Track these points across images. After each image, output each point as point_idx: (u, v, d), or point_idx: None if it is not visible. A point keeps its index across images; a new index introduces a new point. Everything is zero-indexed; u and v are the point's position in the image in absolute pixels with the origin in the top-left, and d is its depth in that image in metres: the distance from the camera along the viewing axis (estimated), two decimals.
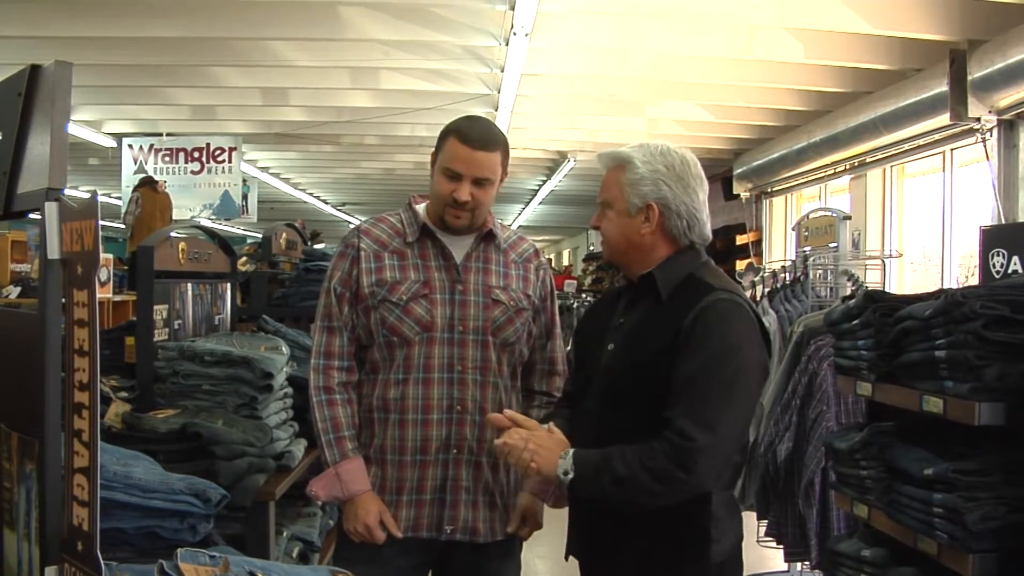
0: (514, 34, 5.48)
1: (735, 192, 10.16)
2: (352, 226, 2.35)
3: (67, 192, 1.35)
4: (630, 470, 1.78)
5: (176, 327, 3.24)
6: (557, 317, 2.39)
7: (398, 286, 2.17)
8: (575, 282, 13.94)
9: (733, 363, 1.83)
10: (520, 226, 22.70)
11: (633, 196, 1.96)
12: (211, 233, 3.84)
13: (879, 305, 2.48)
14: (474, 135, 2.14)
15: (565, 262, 28.18)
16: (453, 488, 2.18)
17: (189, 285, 3.39)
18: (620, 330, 2.00)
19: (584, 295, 11.64)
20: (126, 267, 8.13)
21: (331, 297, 2.22)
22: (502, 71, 6.50)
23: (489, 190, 2.17)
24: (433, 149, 2.23)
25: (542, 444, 1.90)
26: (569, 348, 2.32)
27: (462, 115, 2.28)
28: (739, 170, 9.82)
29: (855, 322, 2.56)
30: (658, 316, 1.93)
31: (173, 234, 3.35)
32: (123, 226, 9.13)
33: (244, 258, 5.22)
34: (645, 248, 1.99)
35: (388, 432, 2.18)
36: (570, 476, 1.85)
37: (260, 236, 4.96)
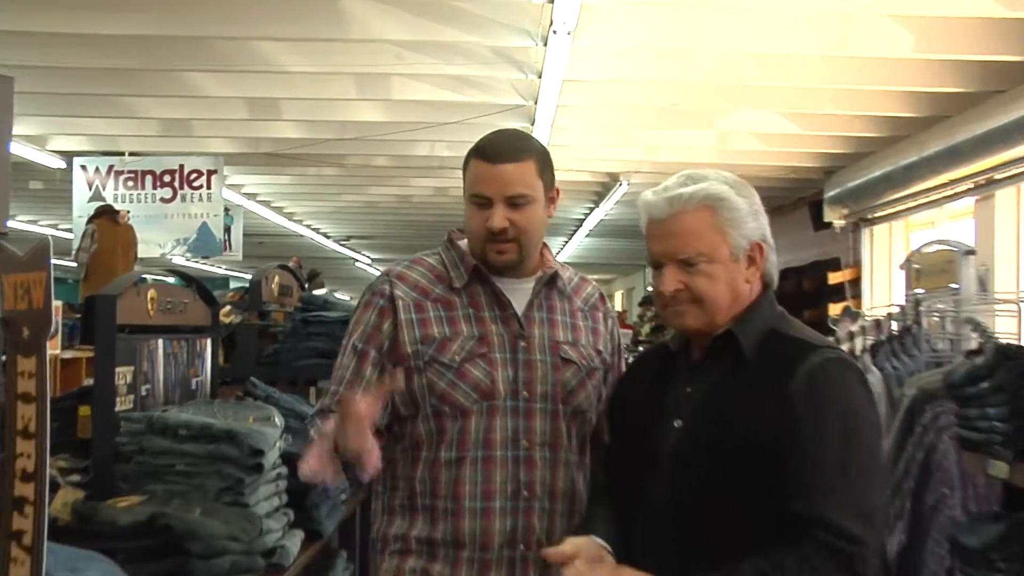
0: (554, 32, 5.50)
1: (827, 220, 10.09)
2: (380, 272, 2.31)
3: (8, 225, 1.34)
4: None
5: (143, 393, 3.24)
6: None
7: (449, 343, 2.16)
8: (630, 331, 13.86)
9: (864, 435, 1.84)
10: (563, 264, 22.64)
11: (739, 238, 1.96)
12: (187, 277, 3.87)
13: (1015, 363, 2.43)
14: (495, 147, 2.16)
15: (618, 307, 28.13)
16: None
17: (160, 342, 3.40)
18: (688, 402, 1.96)
19: (641, 348, 11.55)
20: (78, 315, 8.19)
21: (351, 358, 2.19)
22: (539, 77, 6.53)
23: (529, 211, 2.16)
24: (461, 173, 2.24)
25: None
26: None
27: (491, 131, 2.28)
28: (832, 192, 9.75)
29: (984, 384, 2.51)
30: (747, 383, 1.90)
31: (140, 276, 3.38)
32: (74, 264, 9.21)
33: (228, 307, 5.25)
34: (744, 299, 1.99)
35: (438, 524, 2.14)
36: None
37: (247, 280, 5.00)
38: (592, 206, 13.13)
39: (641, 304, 19.01)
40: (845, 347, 4.28)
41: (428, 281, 2.22)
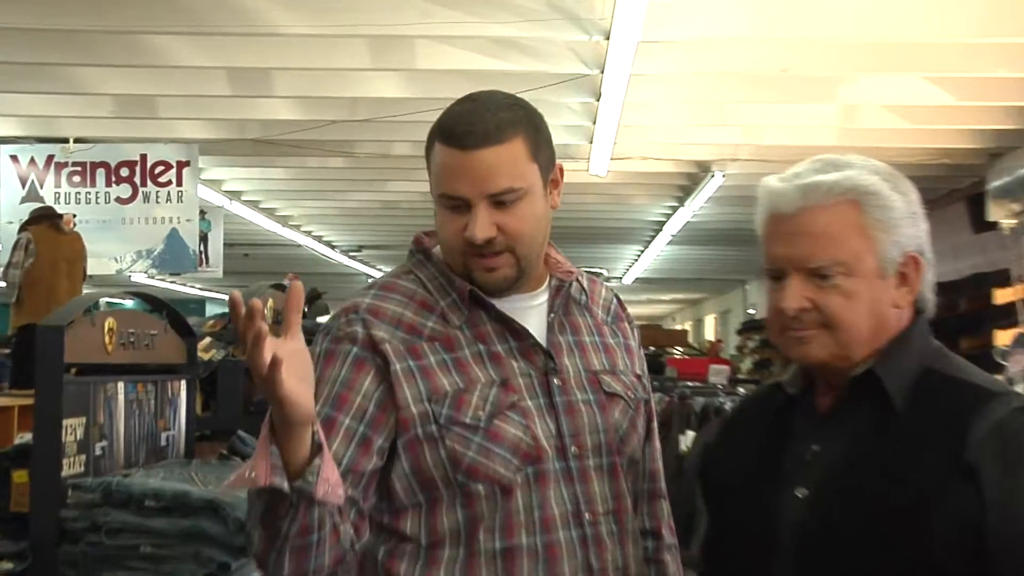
0: None
1: (991, 219, 10.02)
2: (341, 308, 2.13)
3: None
4: None
5: (98, 452, 3.25)
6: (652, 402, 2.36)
7: (465, 396, 2.06)
8: (726, 368, 13.78)
9: None
10: (637, 279, 22.72)
11: (890, 247, 1.92)
12: (153, 301, 3.88)
13: None
14: (466, 125, 2.04)
15: (709, 335, 28.00)
16: None
17: (120, 385, 3.42)
18: (816, 465, 1.94)
19: (741, 387, 11.48)
20: (6, 351, 8.26)
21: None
22: (607, 38, 6.53)
23: (523, 208, 2.06)
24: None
25: None
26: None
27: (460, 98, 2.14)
28: (998, 182, 9.68)
29: None
30: (898, 441, 1.87)
31: (94, 299, 3.41)
32: (2, 284, 9.29)
33: (207, 339, 5.27)
34: (890, 328, 1.95)
35: None
36: None
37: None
38: (676, 204, 13.13)
39: (741, 332, 18.86)
40: (1021, 388, 4.21)
41: (414, 313, 2.11)
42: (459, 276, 2.10)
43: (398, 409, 2.03)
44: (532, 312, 2.16)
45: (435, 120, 2.07)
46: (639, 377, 2.25)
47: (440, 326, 2.10)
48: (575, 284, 2.21)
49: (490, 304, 2.10)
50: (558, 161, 2.15)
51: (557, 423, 2.10)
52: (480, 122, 2.03)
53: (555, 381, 2.12)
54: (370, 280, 2.25)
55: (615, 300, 2.32)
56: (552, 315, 2.16)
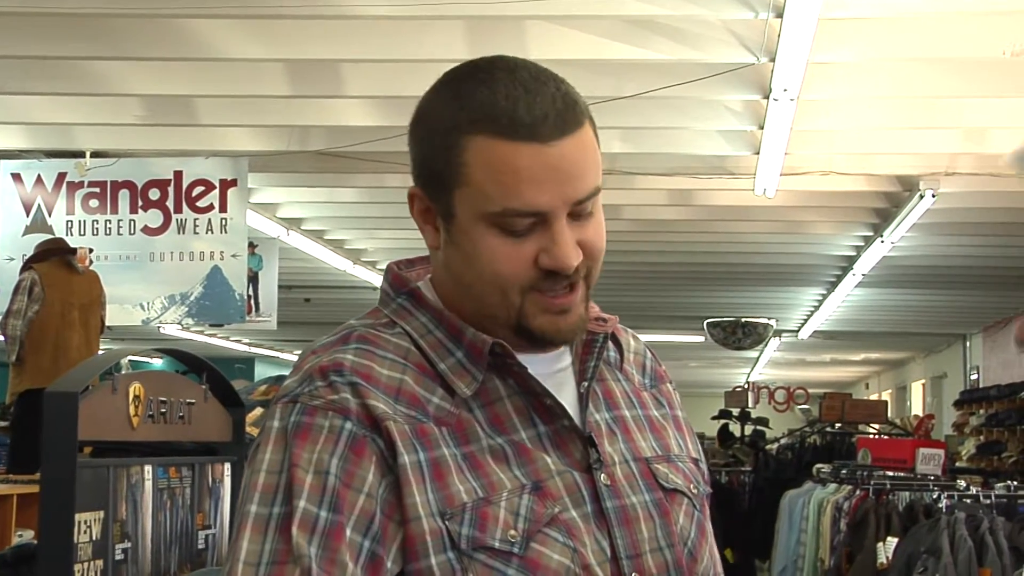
0: None
1: None
2: (308, 367, 1.91)
3: None
4: None
5: (119, 556, 3.28)
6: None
7: (489, 510, 1.93)
8: (940, 452, 13.59)
9: None
10: (817, 333, 22.39)
11: None
12: (190, 360, 3.93)
13: None
14: (531, 108, 1.87)
15: (915, 407, 27.47)
16: None
17: (148, 470, 3.46)
18: None
19: (963, 482, 11.30)
20: (4, 424, 8.32)
21: (304, 542, 1.82)
22: (779, 15, 6.51)
23: (598, 218, 1.96)
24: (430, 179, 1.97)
25: None
26: None
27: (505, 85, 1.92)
28: None
29: None
30: None
31: (121, 362, 3.46)
32: None
33: (258, 410, 5.30)
34: None
35: None
36: None
37: (288, 363, 5.02)
38: (869, 235, 13.02)
39: (959, 404, 18.43)
40: None
41: (414, 381, 1.95)
42: (499, 327, 1.96)
43: (406, 520, 1.87)
44: (555, 380, 2.03)
45: (450, 105, 1.88)
46: (696, 461, 2.15)
47: (447, 403, 1.94)
48: (610, 338, 2.09)
49: (519, 367, 1.96)
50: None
51: (611, 539, 1.98)
52: (548, 100, 1.89)
53: (601, 478, 1.99)
54: (340, 328, 1.99)
55: (648, 353, 2.22)
56: (585, 384, 2.04)
